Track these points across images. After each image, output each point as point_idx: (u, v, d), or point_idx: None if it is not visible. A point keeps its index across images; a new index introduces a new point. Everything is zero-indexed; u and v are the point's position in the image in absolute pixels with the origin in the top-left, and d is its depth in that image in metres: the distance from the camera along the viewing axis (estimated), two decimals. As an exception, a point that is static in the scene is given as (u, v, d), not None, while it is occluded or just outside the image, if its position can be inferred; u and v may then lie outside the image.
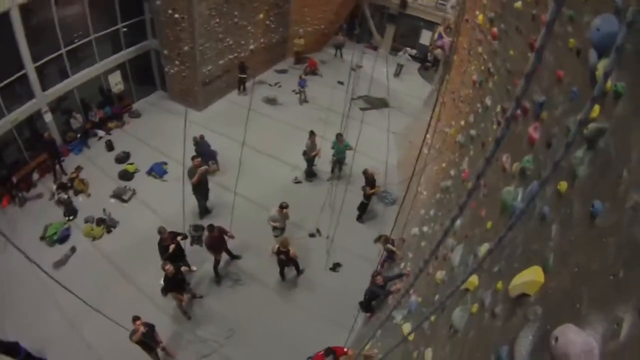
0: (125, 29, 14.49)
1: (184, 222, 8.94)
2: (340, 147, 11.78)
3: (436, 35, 18.73)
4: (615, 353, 1.29)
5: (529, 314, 2.04)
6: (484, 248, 3.42)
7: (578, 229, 1.78)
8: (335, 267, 10.28)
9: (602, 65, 1.72)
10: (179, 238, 8.76)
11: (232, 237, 9.32)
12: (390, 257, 8.84)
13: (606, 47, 1.74)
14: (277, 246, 8.98)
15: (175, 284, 8.31)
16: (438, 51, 16.70)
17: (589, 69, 1.91)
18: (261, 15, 16.87)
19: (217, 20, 14.56)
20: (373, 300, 7.92)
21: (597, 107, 1.72)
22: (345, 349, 6.71)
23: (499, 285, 2.70)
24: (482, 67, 6.16)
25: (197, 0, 13.27)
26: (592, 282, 1.53)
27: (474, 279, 3.38)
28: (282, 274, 9.71)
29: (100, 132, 14.15)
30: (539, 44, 1.00)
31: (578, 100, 2.12)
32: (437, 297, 4.60)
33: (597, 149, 1.73)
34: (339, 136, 11.43)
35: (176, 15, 13.59)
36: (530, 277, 2.12)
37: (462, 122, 7.28)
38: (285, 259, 9.19)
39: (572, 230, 1.84)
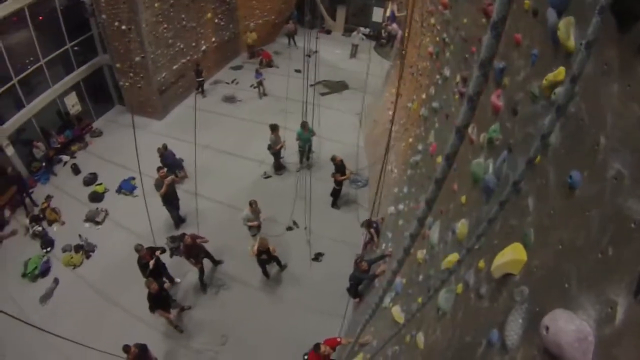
0: (75, 48, 14.02)
1: (153, 236, 8.77)
2: (306, 135, 11.58)
3: (388, 12, 18.59)
4: (612, 339, 1.17)
5: (515, 294, 1.94)
6: (462, 225, 3.32)
7: (556, 201, 1.66)
8: (318, 256, 10.15)
9: (563, 25, 1.58)
10: (157, 253, 8.61)
11: (205, 241, 9.11)
12: (371, 239, 8.82)
13: (565, 5, 1.61)
14: (256, 247, 8.77)
15: (161, 302, 8.11)
16: (393, 26, 16.63)
17: (548, 29, 1.78)
18: (209, 15, 16.46)
19: (165, 25, 14.16)
20: (359, 284, 7.88)
21: (562, 70, 1.59)
22: (339, 339, 6.63)
23: (481, 264, 2.60)
24: (437, 38, 6.07)
25: (141, 8, 12.83)
26: (579, 260, 1.41)
27: (454, 258, 3.28)
28: (265, 272, 9.53)
29: (65, 157, 13.72)
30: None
31: (540, 63, 1.99)
32: (420, 276, 4.52)
33: (567, 115, 1.60)
34: (304, 124, 11.22)
35: (123, 27, 13.14)
36: (512, 255, 2.01)
37: (424, 95, 7.21)
38: (267, 258, 9.02)
39: (550, 203, 1.72)
